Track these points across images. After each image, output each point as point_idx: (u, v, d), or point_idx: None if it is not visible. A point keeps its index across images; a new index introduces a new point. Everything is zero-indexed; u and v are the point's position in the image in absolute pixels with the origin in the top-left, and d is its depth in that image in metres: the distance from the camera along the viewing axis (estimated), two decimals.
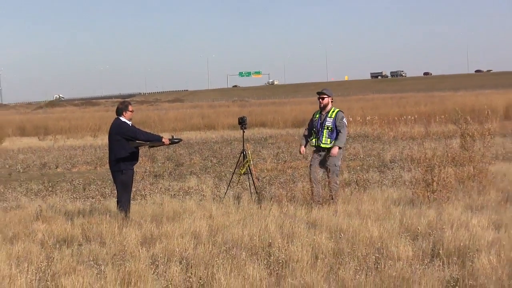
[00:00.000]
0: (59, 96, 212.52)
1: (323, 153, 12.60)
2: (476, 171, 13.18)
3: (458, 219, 10.10)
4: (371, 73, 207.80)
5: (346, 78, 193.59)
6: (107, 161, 12.46)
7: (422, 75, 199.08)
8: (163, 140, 11.81)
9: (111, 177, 12.28)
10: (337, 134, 12.48)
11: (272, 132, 39.06)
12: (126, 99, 24.20)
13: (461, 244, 8.55)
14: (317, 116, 12.75)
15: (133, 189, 13.17)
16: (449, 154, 14.32)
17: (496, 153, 19.33)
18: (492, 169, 13.97)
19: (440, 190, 12.12)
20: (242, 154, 13.79)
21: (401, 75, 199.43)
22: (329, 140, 12.48)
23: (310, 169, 12.72)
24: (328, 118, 12.55)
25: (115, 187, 12.24)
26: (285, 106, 61.75)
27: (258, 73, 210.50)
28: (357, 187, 14.49)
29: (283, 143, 30.42)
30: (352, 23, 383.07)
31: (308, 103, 62.91)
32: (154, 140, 11.95)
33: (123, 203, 11.66)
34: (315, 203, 12.16)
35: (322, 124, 12.54)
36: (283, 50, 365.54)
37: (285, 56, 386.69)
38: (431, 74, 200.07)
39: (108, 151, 12.11)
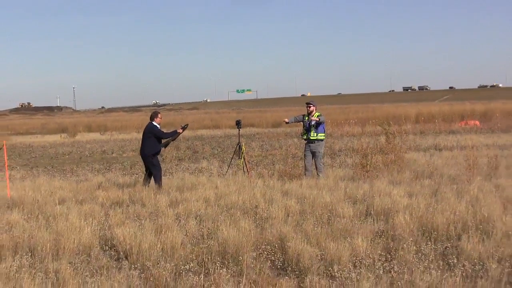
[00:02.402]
0: (156, 102, 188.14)
1: (311, 145, 12.60)
2: (396, 158, 13.17)
3: (384, 190, 10.08)
4: (403, 87, 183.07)
5: (308, 94, 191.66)
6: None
7: (448, 88, 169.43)
8: (178, 131, 11.82)
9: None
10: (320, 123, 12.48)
11: (258, 131, 39.00)
12: (157, 109, 24.13)
13: (386, 207, 8.54)
14: (306, 118, 12.71)
15: (163, 169, 13.10)
16: (378, 146, 14.33)
17: (410, 146, 19.38)
18: (406, 156, 14.02)
19: (372, 170, 12.13)
20: (238, 146, 13.76)
21: (426, 88, 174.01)
22: (315, 134, 12.54)
23: (305, 158, 12.70)
24: (313, 119, 12.54)
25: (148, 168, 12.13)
26: (267, 113, 61.52)
27: (249, 90, 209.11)
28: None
29: (266, 138, 30.39)
30: (316, 54, 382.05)
31: (283, 111, 62.86)
32: (174, 134, 11.91)
33: (157, 178, 11.60)
34: (306, 176, 12.18)
35: (310, 124, 12.55)
36: (267, 73, 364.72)
37: (268, 78, 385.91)
38: (454, 88, 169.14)
39: (140, 145, 12.03)
